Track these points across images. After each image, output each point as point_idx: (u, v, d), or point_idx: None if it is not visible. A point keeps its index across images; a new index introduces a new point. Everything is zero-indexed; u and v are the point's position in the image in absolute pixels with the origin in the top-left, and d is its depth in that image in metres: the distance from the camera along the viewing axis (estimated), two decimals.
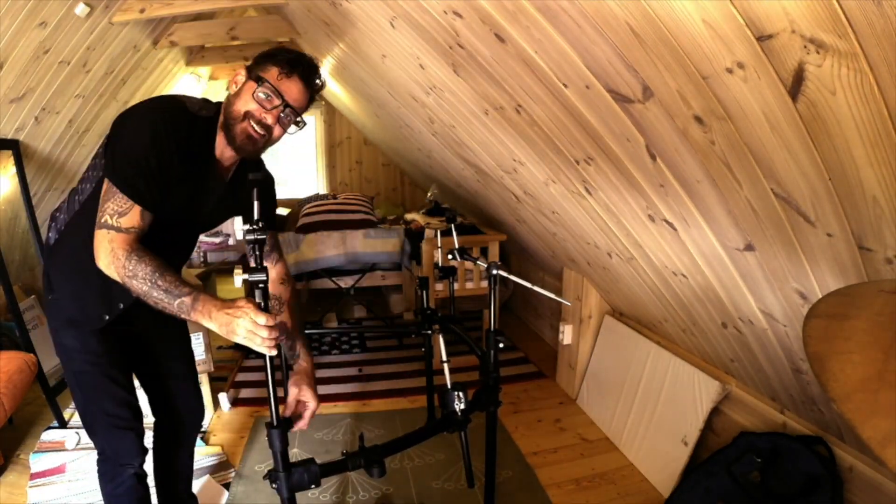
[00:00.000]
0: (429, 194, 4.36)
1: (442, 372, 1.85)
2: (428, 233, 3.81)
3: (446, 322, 2.19)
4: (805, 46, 0.89)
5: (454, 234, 2.17)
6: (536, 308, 4.29)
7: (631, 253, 2.20)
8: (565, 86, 1.57)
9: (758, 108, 1.07)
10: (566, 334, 3.19)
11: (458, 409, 1.62)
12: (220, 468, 2.48)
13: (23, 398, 2.48)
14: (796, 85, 0.96)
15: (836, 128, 0.97)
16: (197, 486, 2.33)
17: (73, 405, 3.06)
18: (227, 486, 2.35)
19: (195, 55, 4.51)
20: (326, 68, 4.50)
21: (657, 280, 2.18)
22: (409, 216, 4.58)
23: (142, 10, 3.02)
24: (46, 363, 2.97)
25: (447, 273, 2.28)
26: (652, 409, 2.47)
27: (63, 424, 2.84)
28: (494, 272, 1.67)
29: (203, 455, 2.58)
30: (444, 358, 1.87)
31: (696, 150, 1.34)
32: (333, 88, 5.31)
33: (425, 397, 2.83)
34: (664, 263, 2.01)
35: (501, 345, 1.68)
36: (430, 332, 2.29)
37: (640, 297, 2.50)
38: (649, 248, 2.02)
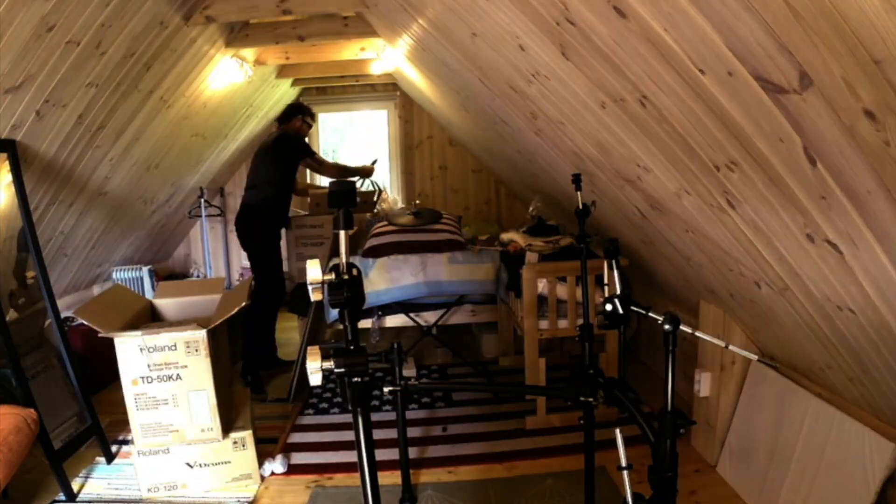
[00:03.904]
0: (530, 208, 4.41)
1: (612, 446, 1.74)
2: (530, 257, 3.82)
3: (612, 388, 2.03)
4: None
5: (614, 270, 2.01)
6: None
7: (785, 282, 2.18)
8: (702, 72, 1.60)
9: None
10: (703, 384, 3.15)
11: None
12: None
13: (20, 464, 2.42)
14: None
15: None
16: None
17: (82, 473, 2.99)
18: None
19: (237, 34, 4.39)
20: (402, 49, 4.51)
21: (817, 316, 2.15)
22: (505, 236, 4.58)
23: None
24: (50, 420, 2.89)
25: (616, 322, 2.03)
26: (811, 479, 2.43)
27: (71, 498, 2.82)
28: (668, 327, 1.64)
29: None
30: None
31: (866, 152, 1.33)
32: (410, 75, 5.32)
33: (525, 463, 3.19)
34: (827, 295, 1.98)
35: (682, 430, 1.65)
36: (592, 400, 2.18)
37: (796, 338, 2.46)
38: (808, 275, 2.00)
